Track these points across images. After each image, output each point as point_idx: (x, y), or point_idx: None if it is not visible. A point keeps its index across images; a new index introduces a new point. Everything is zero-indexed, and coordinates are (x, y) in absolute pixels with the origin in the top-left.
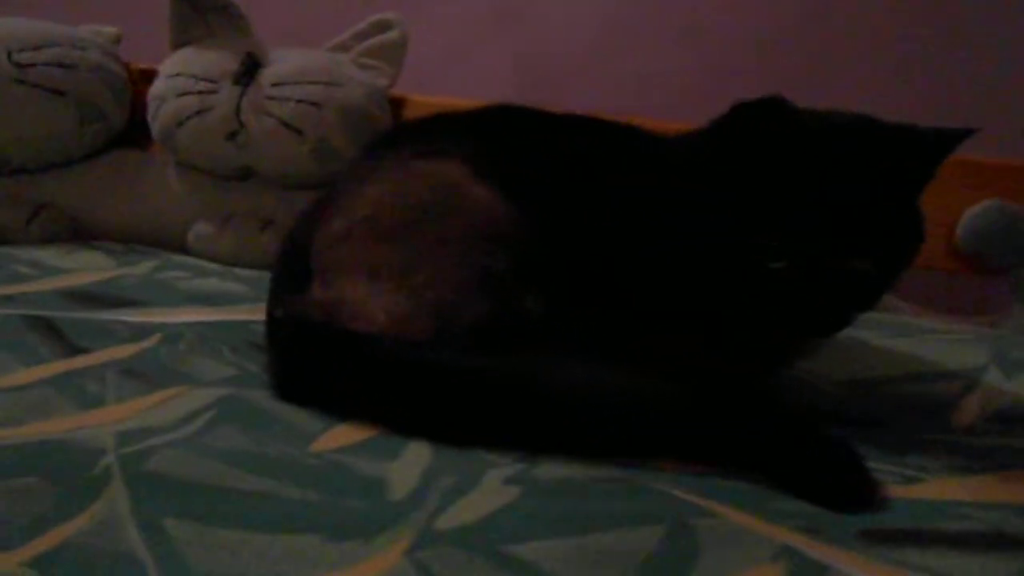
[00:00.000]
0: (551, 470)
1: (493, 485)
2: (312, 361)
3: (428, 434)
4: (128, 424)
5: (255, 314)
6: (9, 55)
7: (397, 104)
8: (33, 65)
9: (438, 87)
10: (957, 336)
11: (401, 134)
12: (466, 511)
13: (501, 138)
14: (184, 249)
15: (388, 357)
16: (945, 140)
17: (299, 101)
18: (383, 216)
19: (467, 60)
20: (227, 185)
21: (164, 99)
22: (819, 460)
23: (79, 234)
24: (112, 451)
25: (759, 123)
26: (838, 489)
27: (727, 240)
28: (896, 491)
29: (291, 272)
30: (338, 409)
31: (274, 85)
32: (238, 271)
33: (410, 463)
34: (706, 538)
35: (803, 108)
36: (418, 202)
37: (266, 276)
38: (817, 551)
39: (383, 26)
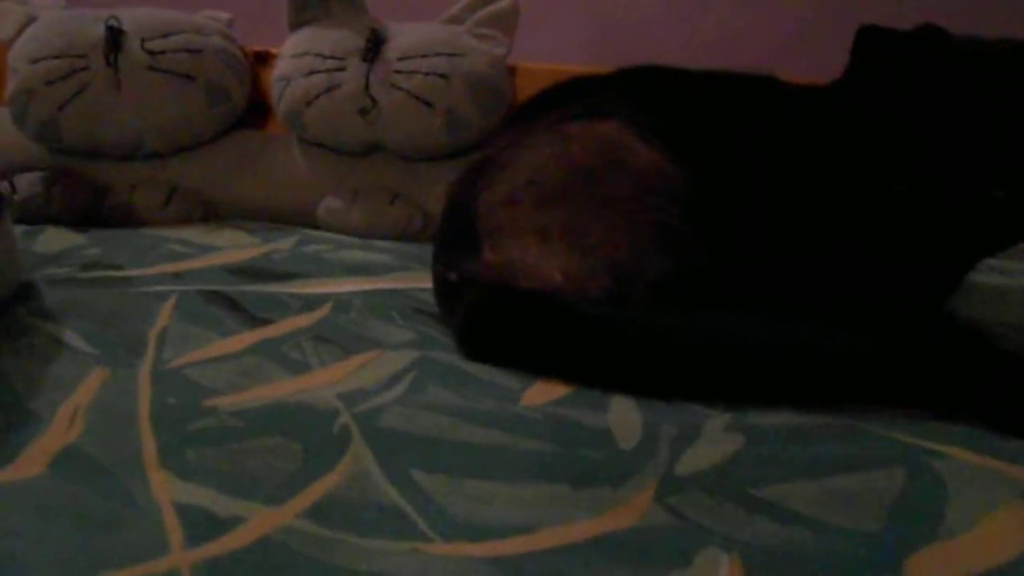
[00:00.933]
0: (765, 418)
1: (716, 433)
2: (502, 321)
3: (627, 388)
4: (343, 387)
5: (408, 282)
6: (142, 43)
7: (510, 72)
8: (164, 52)
9: (518, 52)
10: None
11: (544, 100)
12: (699, 458)
13: (652, 97)
14: (313, 225)
15: (579, 315)
16: None
17: (427, 74)
18: (547, 179)
19: (544, 23)
20: (351, 160)
21: (290, 79)
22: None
23: (209, 215)
24: (344, 411)
25: (905, 56)
26: None
27: (872, 173)
28: None
29: (457, 237)
30: (530, 367)
31: (400, 59)
32: (375, 243)
33: (625, 415)
34: (950, 479)
35: (957, 36)
36: (581, 163)
37: (402, 247)
38: None
39: None
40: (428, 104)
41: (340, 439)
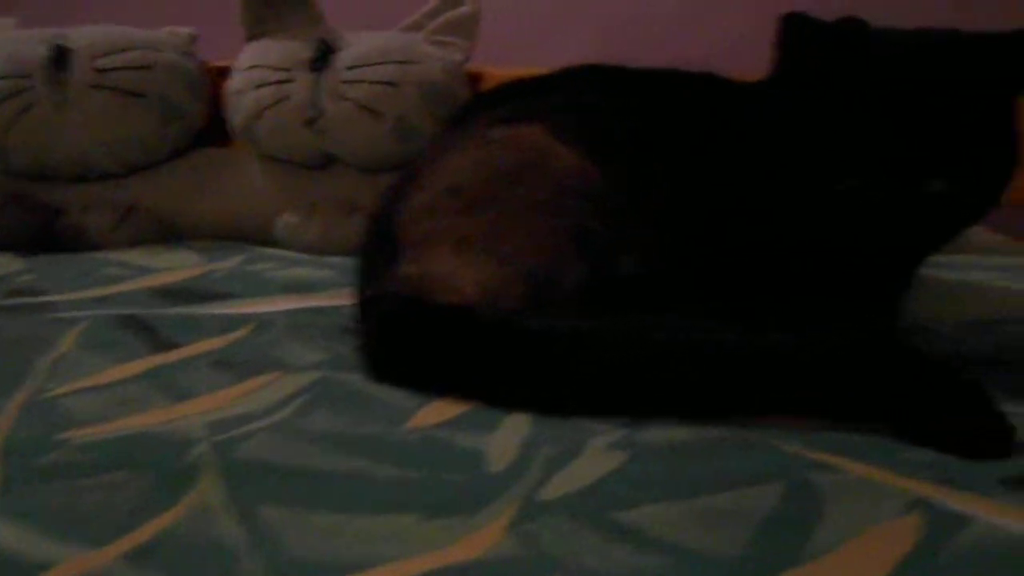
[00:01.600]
0: (659, 433)
1: (597, 452)
2: (406, 338)
3: (528, 405)
4: (220, 413)
5: (344, 299)
6: (92, 61)
7: (474, 79)
8: (112, 70)
9: (524, 60)
10: None
11: (478, 104)
12: (570, 480)
13: (582, 98)
14: (273, 242)
15: (483, 327)
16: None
17: (374, 82)
18: (466, 185)
19: (553, 31)
20: (309, 174)
21: (241, 92)
22: (949, 404)
23: (167, 234)
24: (204, 440)
25: (831, 49)
26: (973, 434)
27: (808, 170)
28: None
29: (377, 251)
30: (435, 385)
31: (349, 68)
32: (328, 259)
33: (509, 435)
34: (830, 494)
35: (880, 27)
36: (502, 168)
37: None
38: (955, 501)
39: (454, 2)
40: (376, 113)
41: (191, 471)
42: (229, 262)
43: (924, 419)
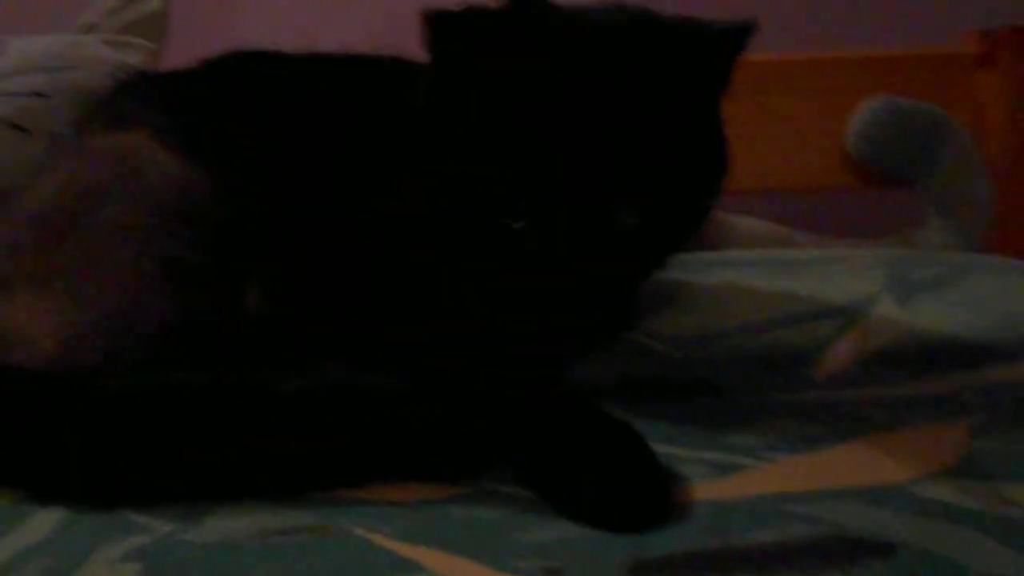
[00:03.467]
0: (214, 528)
1: (100, 567)
2: None
3: (59, 496)
4: None
5: None
6: None
7: None
8: None
9: None
10: (850, 263)
11: (99, 104)
12: None
13: (212, 96)
14: None
15: (10, 396)
16: (728, 32)
17: (20, 94)
18: (51, 211)
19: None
20: None
21: None
22: (585, 459)
23: None
24: None
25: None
26: (607, 500)
27: (454, 197)
28: (702, 490)
29: None
30: None
31: None
32: None
33: (12, 541)
34: None
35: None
36: (93, 187)
37: None
38: None
39: None
40: (23, 130)
41: None
42: None
43: (551, 478)
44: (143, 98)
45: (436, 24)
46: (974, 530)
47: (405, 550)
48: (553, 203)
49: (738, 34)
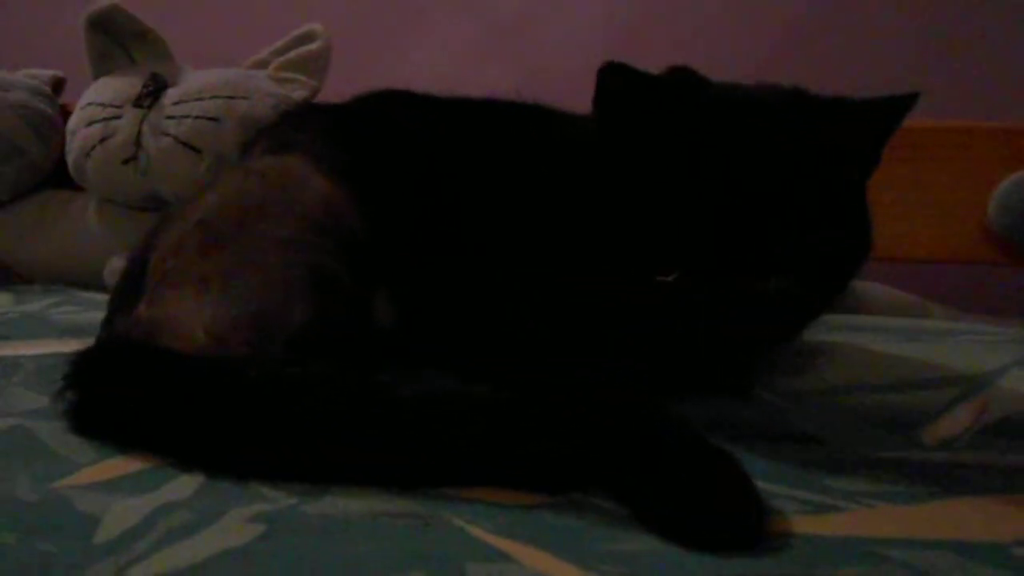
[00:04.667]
0: (331, 504)
1: (231, 523)
2: (101, 386)
3: (206, 463)
4: None
5: None
6: None
7: None
8: None
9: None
10: (982, 337)
11: (262, 132)
12: (176, 555)
13: (363, 127)
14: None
15: (178, 375)
16: (881, 112)
17: (196, 117)
18: (216, 220)
19: (468, 83)
20: (141, 216)
21: (74, 131)
22: (679, 477)
23: (6, 276)
24: None
25: (646, 100)
26: (698, 520)
27: (610, 244)
28: (795, 524)
29: (127, 291)
30: (124, 440)
31: (175, 104)
32: None
33: (150, 500)
34: None
35: (716, 82)
36: (253, 201)
37: None
38: None
39: (305, 38)
40: (196, 150)
41: None
42: (37, 304)
43: (654, 498)
44: (302, 127)
45: (607, 73)
46: None
47: (500, 543)
48: (707, 266)
49: (895, 109)
